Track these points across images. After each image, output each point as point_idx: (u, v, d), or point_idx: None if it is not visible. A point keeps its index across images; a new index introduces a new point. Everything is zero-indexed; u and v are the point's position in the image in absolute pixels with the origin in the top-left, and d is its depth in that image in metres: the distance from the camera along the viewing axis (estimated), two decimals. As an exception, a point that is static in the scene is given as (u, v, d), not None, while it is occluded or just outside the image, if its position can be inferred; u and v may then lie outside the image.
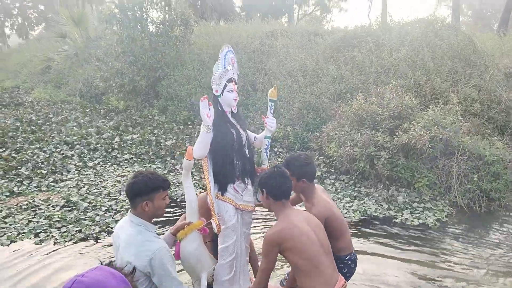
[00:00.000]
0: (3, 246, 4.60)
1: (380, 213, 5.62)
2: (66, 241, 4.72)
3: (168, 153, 7.90)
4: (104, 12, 12.24)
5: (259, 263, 2.61)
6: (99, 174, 7.01)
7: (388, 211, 5.69)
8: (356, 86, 8.30)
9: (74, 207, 5.60)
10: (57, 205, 5.63)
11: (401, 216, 5.53)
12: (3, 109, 11.62)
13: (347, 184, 6.58)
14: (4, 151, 7.59)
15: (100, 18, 14.74)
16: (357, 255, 2.90)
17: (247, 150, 2.90)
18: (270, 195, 2.33)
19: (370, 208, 5.72)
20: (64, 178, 6.75)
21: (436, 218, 5.44)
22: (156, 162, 7.62)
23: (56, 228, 5.01)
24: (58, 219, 5.19)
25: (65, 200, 5.77)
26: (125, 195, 1.89)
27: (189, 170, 2.68)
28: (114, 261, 2.05)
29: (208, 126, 2.65)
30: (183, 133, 8.89)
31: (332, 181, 6.74)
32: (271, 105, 3.14)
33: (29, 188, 6.29)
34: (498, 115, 7.48)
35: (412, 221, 5.39)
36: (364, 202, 5.91)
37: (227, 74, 2.89)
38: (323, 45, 10.46)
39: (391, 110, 6.64)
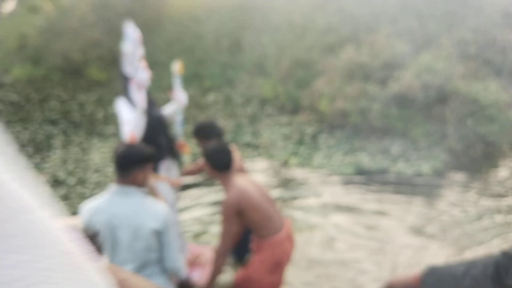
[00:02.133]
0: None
1: (374, 165, 5.51)
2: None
3: (155, 122, 7.66)
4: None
5: None
6: (85, 149, 6.81)
7: (382, 162, 5.58)
8: (346, 37, 7.97)
9: (63, 184, 5.46)
10: (45, 183, 5.47)
11: (395, 166, 5.43)
12: (-19, 91, 11.19)
13: (340, 139, 6.43)
14: (-15, 133, 7.32)
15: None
16: (352, 209, 2.79)
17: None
18: (214, 167, 2.50)
19: (364, 161, 5.61)
20: (51, 156, 6.55)
21: (431, 165, 5.34)
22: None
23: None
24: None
25: (53, 178, 5.61)
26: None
27: None
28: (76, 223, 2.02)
29: (143, 109, 2.64)
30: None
31: (325, 137, 6.59)
32: (178, 80, 3.03)
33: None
34: (494, 56, 7.23)
35: (406, 170, 5.29)
36: (358, 156, 5.79)
37: (137, 53, 2.73)
38: (308, -4, 9.97)
39: (382, 59, 6.38)
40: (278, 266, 2.57)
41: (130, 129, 2.60)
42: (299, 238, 3.84)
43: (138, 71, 2.71)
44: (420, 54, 6.40)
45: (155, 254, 2.07)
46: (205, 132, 2.90)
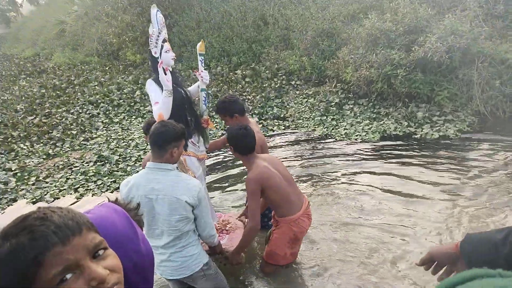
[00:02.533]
0: (48, 203, 5.05)
1: (399, 131, 5.63)
2: (103, 192, 5.10)
3: (187, 99, 8.04)
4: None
5: None
6: (126, 128, 7.32)
7: (408, 128, 5.68)
8: (369, 4, 7.90)
9: (106, 161, 5.96)
10: (90, 161, 6.01)
11: (421, 131, 5.52)
12: (27, 78, 12.03)
13: (366, 107, 6.55)
14: (34, 118, 8.00)
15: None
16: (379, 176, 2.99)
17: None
18: (237, 151, 2.72)
19: (390, 128, 5.73)
20: (94, 136, 7.10)
21: (457, 129, 5.40)
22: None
23: (92, 182, 5.40)
24: (93, 173, 5.57)
25: (97, 156, 6.13)
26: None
27: None
28: (118, 198, 2.22)
29: (170, 90, 2.75)
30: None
31: (351, 106, 6.72)
32: (201, 59, 3.13)
33: (63, 149, 6.70)
34: (524, 14, 6.96)
35: (432, 134, 5.38)
36: (384, 122, 5.91)
37: (161, 35, 2.90)
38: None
39: (406, 24, 6.35)
40: (296, 241, 2.87)
41: (158, 108, 2.76)
42: (326, 199, 4.11)
43: (163, 53, 2.87)
44: (445, 17, 6.31)
45: (190, 225, 2.27)
46: (227, 109, 3.06)
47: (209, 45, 9.92)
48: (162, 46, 2.89)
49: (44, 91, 9.77)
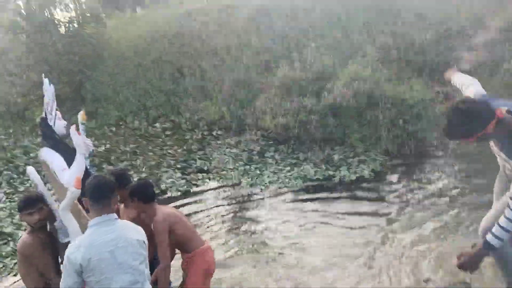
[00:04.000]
0: None
1: (319, 175, 5.80)
2: (3, 277, 4.49)
3: (102, 159, 7.60)
4: (4, 22, 11.26)
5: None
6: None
7: (327, 171, 5.88)
8: (280, 54, 8.34)
9: (9, 239, 5.30)
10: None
11: (339, 173, 5.75)
12: None
13: (286, 154, 6.70)
14: None
15: (3, 29, 13.54)
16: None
17: None
18: (142, 200, 2.81)
19: (310, 172, 5.89)
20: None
21: (371, 169, 5.71)
22: (94, 171, 7.32)
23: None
24: (-6, 255, 4.90)
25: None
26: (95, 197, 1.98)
27: (74, 200, 2.63)
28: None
29: (85, 152, 2.86)
30: (116, 135, 8.57)
31: (272, 153, 6.84)
32: (83, 128, 3.22)
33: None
34: (414, 57, 7.82)
35: (349, 176, 5.62)
36: (303, 168, 6.07)
37: (55, 105, 3.04)
38: (241, 18, 10.33)
39: (314, 72, 6.77)
40: (209, 273, 3.02)
41: (73, 173, 2.69)
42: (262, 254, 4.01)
43: (56, 120, 2.96)
44: (347, 64, 6.85)
45: (145, 263, 2.28)
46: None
47: (125, 99, 9.65)
48: (56, 114, 2.98)
49: None
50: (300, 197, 5.33)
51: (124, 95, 9.70)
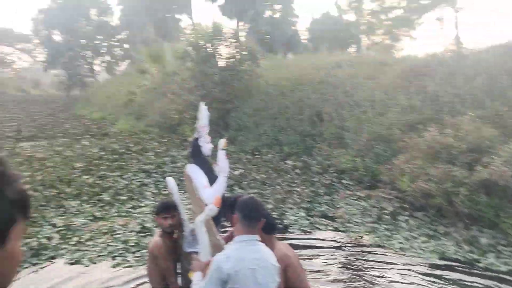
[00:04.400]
0: (85, 267, 4.97)
1: (460, 256, 5.18)
2: (139, 265, 4.97)
3: (235, 182, 8.10)
4: (179, 50, 13.20)
5: None
6: (172, 202, 7.36)
7: (470, 254, 5.22)
8: (429, 116, 7.93)
9: (148, 233, 5.91)
10: (133, 231, 5.99)
11: (485, 260, 5.05)
12: (90, 138, 12.84)
13: (423, 222, 6.18)
14: (89, 178, 8.32)
15: (175, 55, 15.86)
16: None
17: None
18: (264, 230, 2.61)
19: (449, 250, 5.30)
20: (141, 205, 7.18)
21: (527, 264, 4.89)
22: (226, 191, 7.82)
23: (131, 253, 5.31)
24: (133, 244, 5.51)
25: (140, 226, 6.12)
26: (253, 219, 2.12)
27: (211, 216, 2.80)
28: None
29: (227, 175, 3.02)
30: (250, 163, 9.08)
31: (406, 218, 6.39)
32: (223, 153, 3.25)
33: (109, 213, 6.78)
34: None
35: (498, 266, 4.89)
36: (443, 243, 5.49)
37: (207, 129, 3.28)
38: (392, 75, 10.23)
39: (469, 142, 6.22)
40: None
41: (214, 191, 2.90)
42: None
43: (205, 143, 3.21)
44: (509, 140, 6.14)
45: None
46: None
47: (263, 132, 10.24)
48: (206, 137, 3.24)
49: (103, 153, 10.30)
50: (432, 272, 4.82)
51: (263, 128, 10.32)
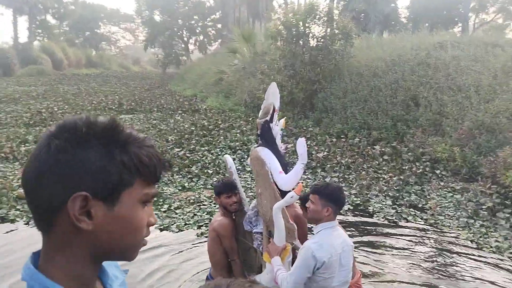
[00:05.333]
0: (174, 233, 5.34)
1: None
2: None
3: (318, 164, 7.98)
4: (270, 29, 13.17)
5: None
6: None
7: None
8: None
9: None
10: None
11: None
12: (182, 114, 13.62)
13: (528, 222, 5.50)
14: (180, 150, 8.85)
15: (266, 35, 15.89)
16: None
17: None
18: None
19: (560, 256, 4.65)
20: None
21: None
22: (307, 173, 7.77)
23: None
24: (217, 215, 5.76)
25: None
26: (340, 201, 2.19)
27: (290, 203, 2.69)
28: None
29: (305, 162, 2.80)
30: (335, 146, 8.84)
31: (507, 215, 5.74)
32: (280, 133, 3.07)
33: (197, 185, 7.17)
34: None
35: None
36: (552, 247, 4.84)
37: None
38: (503, 58, 9.08)
39: None
40: None
41: (292, 179, 2.74)
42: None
43: (274, 126, 2.94)
44: None
45: None
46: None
47: (351, 115, 9.87)
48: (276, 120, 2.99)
49: (193, 128, 10.86)
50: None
51: (351, 111, 9.93)
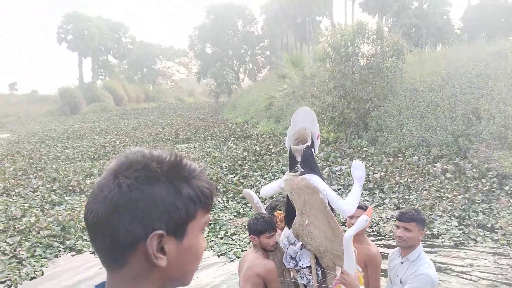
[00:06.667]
0: (231, 260, 5.36)
1: None
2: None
3: (376, 186, 7.70)
4: (318, 52, 13.22)
5: None
6: (310, 202, 7.41)
7: None
8: None
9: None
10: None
11: None
12: (235, 140, 13.90)
13: None
14: (234, 176, 8.99)
15: (314, 58, 15.97)
16: None
17: None
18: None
19: None
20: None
21: None
22: (364, 195, 7.52)
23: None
24: (273, 240, 5.71)
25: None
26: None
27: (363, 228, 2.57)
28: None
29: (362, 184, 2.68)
30: (392, 165, 8.51)
31: None
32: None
33: (252, 211, 7.19)
34: None
35: None
36: None
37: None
38: None
39: None
40: None
41: (354, 202, 2.60)
42: None
43: (316, 147, 2.78)
44: None
45: None
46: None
47: (408, 132, 9.50)
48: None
49: (246, 154, 11.02)
50: None
51: (408, 128, 9.57)
